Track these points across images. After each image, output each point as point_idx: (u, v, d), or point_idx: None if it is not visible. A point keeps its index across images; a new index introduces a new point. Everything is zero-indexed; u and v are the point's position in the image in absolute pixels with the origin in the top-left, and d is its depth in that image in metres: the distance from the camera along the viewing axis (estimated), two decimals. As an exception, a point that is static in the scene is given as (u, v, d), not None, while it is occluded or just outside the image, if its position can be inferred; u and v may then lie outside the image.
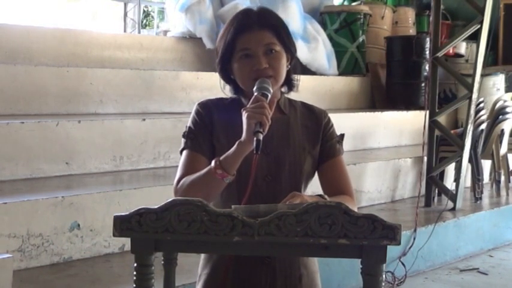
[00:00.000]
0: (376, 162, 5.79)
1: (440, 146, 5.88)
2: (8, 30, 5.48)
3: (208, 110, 2.01)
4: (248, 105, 1.84)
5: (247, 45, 1.93)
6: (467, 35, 5.89)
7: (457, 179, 5.64)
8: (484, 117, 6.08)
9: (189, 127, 2.01)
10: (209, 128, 1.98)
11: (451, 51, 7.90)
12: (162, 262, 1.75)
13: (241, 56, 1.94)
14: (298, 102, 2.10)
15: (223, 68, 2.01)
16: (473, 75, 5.60)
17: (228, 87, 2.07)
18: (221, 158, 1.84)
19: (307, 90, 6.72)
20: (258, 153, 1.78)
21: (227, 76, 2.02)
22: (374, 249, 1.47)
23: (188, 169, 1.93)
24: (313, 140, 2.03)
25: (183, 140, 2.00)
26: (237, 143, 1.83)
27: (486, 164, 6.54)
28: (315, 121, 2.06)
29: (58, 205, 3.59)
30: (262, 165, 1.90)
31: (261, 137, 1.78)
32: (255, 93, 1.87)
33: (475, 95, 5.60)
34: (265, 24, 1.96)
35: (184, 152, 1.99)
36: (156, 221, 1.48)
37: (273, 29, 1.96)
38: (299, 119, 2.05)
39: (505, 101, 6.55)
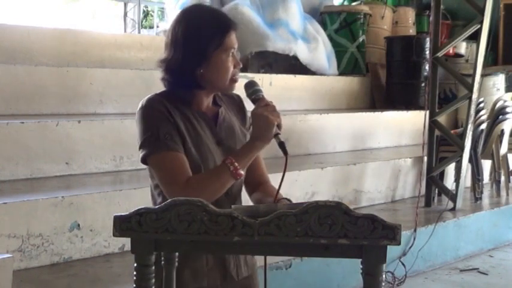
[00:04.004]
0: (376, 162, 5.79)
1: (440, 146, 5.88)
2: (8, 30, 5.47)
3: (162, 104, 1.97)
4: (257, 108, 1.92)
5: (234, 45, 2.01)
6: (467, 35, 5.89)
7: (457, 179, 5.64)
8: (484, 117, 6.07)
9: (157, 127, 1.93)
10: (172, 121, 1.96)
11: (451, 51, 7.90)
12: (162, 262, 1.75)
13: (229, 54, 2.00)
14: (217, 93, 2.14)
15: (194, 60, 1.95)
16: (473, 75, 5.60)
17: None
18: (234, 159, 1.90)
19: (307, 90, 6.73)
20: (288, 154, 1.87)
21: (190, 69, 1.96)
22: (374, 249, 1.47)
23: (184, 170, 1.93)
24: (244, 124, 2.14)
25: (155, 144, 1.93)
26: (252, 143, 1.92)
27: (486, 164, 6.54)
28: (238, 106, 2.16)
29: (58, 205, 3.59)
30: (218, 156, 1.99)
31: (281, 138, 1.89)
32: (260, 96, 1.95)
33: (475, 95, 5.60)
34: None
35: (167, 154, 1.93)
36: (156, 221, 1.47)
37: None
38: (229, 108, 2.13)
39: (505, 101, 6.55)
